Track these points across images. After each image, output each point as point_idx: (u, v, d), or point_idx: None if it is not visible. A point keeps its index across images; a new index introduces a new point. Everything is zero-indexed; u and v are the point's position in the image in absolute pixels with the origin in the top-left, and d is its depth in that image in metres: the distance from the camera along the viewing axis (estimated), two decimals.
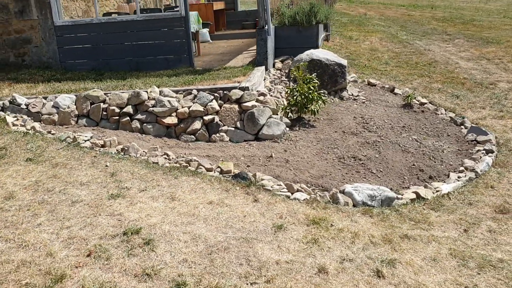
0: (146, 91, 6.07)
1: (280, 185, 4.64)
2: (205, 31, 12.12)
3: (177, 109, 5.85)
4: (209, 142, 5.75)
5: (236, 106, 5.92)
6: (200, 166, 4.77)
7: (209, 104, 5.89)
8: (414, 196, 4.77)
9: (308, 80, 6.51)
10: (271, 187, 4.60)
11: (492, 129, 6.99)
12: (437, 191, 5.00)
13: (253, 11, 14.79)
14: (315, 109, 6.36)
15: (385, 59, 10.63)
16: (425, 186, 5.08)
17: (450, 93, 8.58)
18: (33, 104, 6.10)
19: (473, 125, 6.93)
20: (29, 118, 5.98)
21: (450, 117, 7.34)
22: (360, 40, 12.84)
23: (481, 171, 5.52)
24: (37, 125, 5.70)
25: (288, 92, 6.53)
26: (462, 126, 7.08)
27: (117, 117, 5.92)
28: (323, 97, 6.51)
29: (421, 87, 8.84)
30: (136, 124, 5.86)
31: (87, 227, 3.58)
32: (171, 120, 5.81)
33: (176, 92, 6.13)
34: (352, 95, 7.83)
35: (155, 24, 7.96)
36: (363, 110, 7.20)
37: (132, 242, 3.45)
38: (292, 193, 4.56)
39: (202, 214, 3.93)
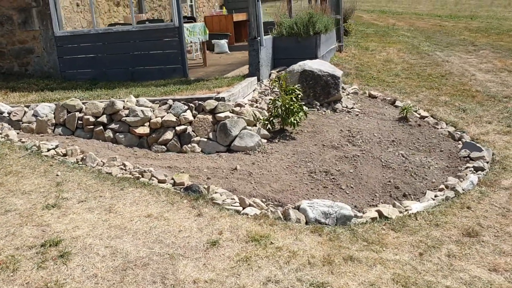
0: (123, 101, 6.03)
1: (233, 199, 4.45)
2: (223, 42, 12.11)
3: (151, 119, 5.78)
4: (180, 153, 5.64)
5: (210, 117, 5.79)
6: (153, 177, 4.65)
7: (182, 114, 5.79)
8: (376, 215, 4.46)
9: (290, 91, 6.30)
10: (223, 201, 4.42)
11: (492, 145, 6.54)
12: (406, 210, 4.67)
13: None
14: (295, 121, 6.13)
15: (396, 71, 10.25)
16: (394, 205, 4.75)
17: (457, 107, 8.13)
18: (15, 113, 6.19)
19: (468, 140, 6.50)
20: (9, 126, 6.05)
21: (449, 131, 6.93)
22: (376, 51, 12.47)
23: (463, 189, 5.14)
24: (13, 133, 5.76)
25: (270, 103, 6.33)
26: (460, 142, 6.67)
27: (91, 126, 5.91)
28: (304, 109, 6.27)
29: (426, 99, 8.43)
30: (109, 133, 5.82)
31: (8, 237, 3.52)
32: (143, 130, 5.74)
33: (153, 102, 6.07)
34: (347, 107, 7.54)
35: (150, 34, 7.97)
36: (353, 123, 6.90)
37: (47, 254, 3.35)
38: (243, 208, 4.36)
39: (134, 228, 3.80)
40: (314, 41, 8.40)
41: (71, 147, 5.20)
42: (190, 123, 5.79)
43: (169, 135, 5.70)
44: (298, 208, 4.43)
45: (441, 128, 7.15)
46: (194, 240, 3.76)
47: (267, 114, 6.45)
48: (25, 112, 6.22)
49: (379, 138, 6.46)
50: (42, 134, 5.97)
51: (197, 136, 5.74)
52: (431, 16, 24.13)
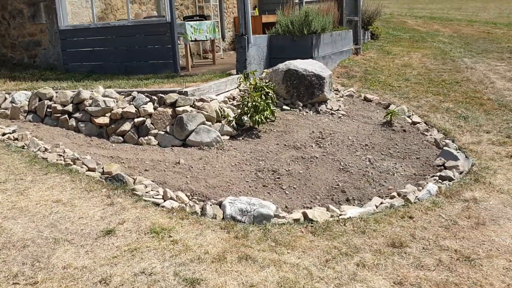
0: (92, 91, 6.12)
1: (158, 191, 4.37)
2: None
3: (112, 110, 5.82)
4: (136, 145, 5.63)
5: (169, 110, 5.75)
6: (83, 165, 4.66)
7: (142, 106, 5.79)
8: (300, 216, 4.23)
9: (259, 88, 6.14)
10: (146, 192, 4.35)
11: (479, 155, 6.07)
12: (339, 215, 4.39)
13: None
14: (259, 119, 5.96)
15: (409, 76, 9.77)
16: (327, 208, 4.48)
17: (458, 114, 7.62)
18: None
19: (449, 149, 6.05)
20: None
21: (435, 139, 6.49)
22: (399, 55, 11.97)
23: (417, 198, 4.78)
24: None
25: (240, 100, 6.20)
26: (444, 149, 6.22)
27: (59, 115, 6.04)
28: (272, 108, 6.08)
29: (427, 105, 7.97)
30: (72, 122, 5.92)
31: None
32: (103, 120, 5.79)
33: (120, 93, 6.11)
34: (332, 109, 7.25)
35: (143, 29, 8.06)
36: (330, 125, 6.62)
37: None
38: (164, 201, 4.27)
39: (35, 211, 3.81)
40: (309, 40, 8.16)
41: (21, 132, 5.32)
42: (150, 115, 5.77)
43: (127, 126, 5.71)
44: (220, 204, 4.27)
45: (430, 135, 6.71)
46: (90, 228, 3.71)
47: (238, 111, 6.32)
48: (5, 99, 6.46)
49: (352, 141, 6.15)
50: (14, 120, 6.16)
51: (155, 129, 5.71)
52: (485, 23, 22.88)
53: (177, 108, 5.72)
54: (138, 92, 6.02)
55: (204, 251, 3.60)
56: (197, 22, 9.50)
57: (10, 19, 9.12)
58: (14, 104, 6.22)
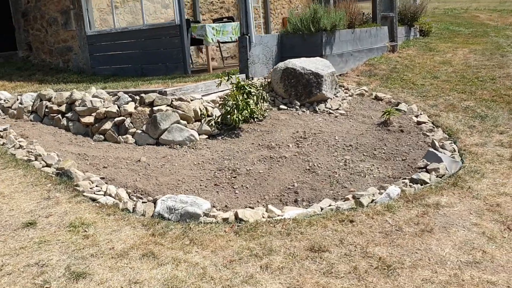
0: (86, 92, 6.44)
1: (100, 188, 4.50)
2: None
3: (97, 110, 6.07)
4: (115, 143, 5.82)
5: (147, 110, 5.88)
6: (42, 161, 4.91)
7: (123, 106, 5.98)
8: (230, 216, 4.14)
9: (242, 87, 6.09)
10: (90, 188, 4.50)
11: (477, 157, 5.58)
12: (278, 216, 4.24)
13: None
14: (236, 118, 5.91)
15: (441, 73, 9.14)
16: (267, 209, 4.34)
17: (477, 113, 7.02)
18: (7, 100, 7.00)
19: (431, 149, 5.59)
20: (0, 111, 6.86)
21: (433, 139, 6.02)
22: (442, 52, 11.22)
23: (374, 201, 4.49)
24: None
25: (223, 100, 6.19)
26: (438, 151, 5.76)
27: (54, 114, 6.41)
28: (252, 107, 5.99)
29: (445, 104, 7.42)
30: (64, 121, 6.26)
31: None
32: (88, 119, 6.05)
33: (109, 93, 6.36)
34: (331, 108, 6.99)
35: (157, 32, 8.32)
36: (320, 125, 6.38)
37: None
38: (104, 196, 4.39)
39: None
40: (319, 38, 7.92)
41: (4, 130, 5.72)
42: (130, 115, 5.94)
43: (108, 125, 5.92)
44: (154, 201, 4.31)
45: (432, 135, 6.24)
46: (14, 220, 3.92)
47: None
48: (15, 100, 6.98)
49: (337, 141, 5.89)
50: (19, 119, 6.64)
51: (134, 128, 5.87)
52: None
53: (154, 108, 5.83)
54: (124, 92, 6.23)
55: (110, 247, 3.65)
56: (221, 24, 9.60)
57: (48, 27, 9.84)
58: (20, 105, 6.70)
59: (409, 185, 4.80)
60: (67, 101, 6.36)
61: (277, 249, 3.70)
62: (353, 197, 4.55)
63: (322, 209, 4.35)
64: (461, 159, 5.59)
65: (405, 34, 12.01)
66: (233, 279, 3.30)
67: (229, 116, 5.98)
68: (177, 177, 4.89)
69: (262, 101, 6.72)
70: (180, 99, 5.92)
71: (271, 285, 3.25)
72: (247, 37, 7.38)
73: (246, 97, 6.04)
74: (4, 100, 6.99)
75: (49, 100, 6.54)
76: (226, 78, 6.08)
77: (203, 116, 6.01)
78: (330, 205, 4.41)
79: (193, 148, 5.63)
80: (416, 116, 6.84)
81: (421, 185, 4.84)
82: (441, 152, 5.65)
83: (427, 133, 6.29)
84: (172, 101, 5.91)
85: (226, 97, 6.04)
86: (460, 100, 7.59)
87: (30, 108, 6.69)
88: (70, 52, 9.66)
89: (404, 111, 7.02)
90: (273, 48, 8.07)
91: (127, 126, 5.86)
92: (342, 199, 4.61)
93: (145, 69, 8.50)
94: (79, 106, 6.15)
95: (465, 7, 25.99)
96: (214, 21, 10.99)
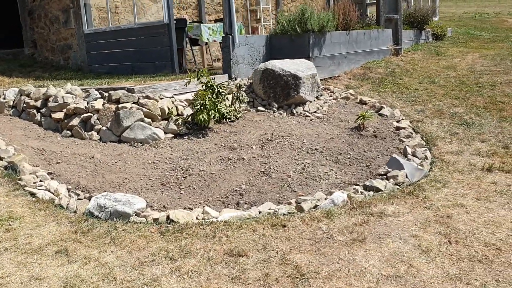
0: (61, 88, 6.50)
1: (42, 183, 4.52)
2: None
3: (68, 106, 6.12)
4: (81, 139, 5.84)
5: (113, 107, 5.88)
6: None
7: (91, 102, 6.00)
8: (160, 216, 4.06)
9: (211, 86, 6.01)
10: (34, 182, 4.52)
11: (447, 165, 5.33)
12: (213, 218, 4.14)
13: None
14: (202, 118, 5.83)
15: (441, 78, 8.81)
16: (203, 211, 4.24)
17: (463, 120, 6.72)
18: None
19: (395, 156, 5.36)
20: None
21: (406, 146, 5.78)
22: (450, 56, 10.82)
23: (317, 207, 4.32)
24: None
25: (193, 99, 6.13)
26: (407, 158, 5.54)
27: (31, 110, 6.51)
28: (218, 107, 5.90)
29: (432, 109, 7.13)
30: (38, 117, 6.34)
31: None
32: (58, 115, 6.11)
33: (83, 90, 6.40)
34: (308, 111, 6.81)
35: (147, 31, 8.34)
36: (292, 127, 6.23)
37: None
38: (44, 191, 4.40)
39: None
40: (306, 40, 7.75)
41: None
42: (98, 111, 5.95)
43: (75, 121, 5.96)
44: (90, 199, 4.28)
45: (408, 142, 5.99)
46: None
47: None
48: (1, 95, 7.13)
49: (303, 145, 5.73)
50: (0, 114, 6.76)
51: (100, 124, 5.88)
52: None
53: (119, 105, 5.83)
54: (96, 89, 6.25)
55: (27, 242, 3.63)
56: (218, 24, 9.55)
57: (50, 25, 10.04)
58: (2, 100, 6.84)
59: (361, 192, 4.60)
60: (43, 97, 6.44)
61: (195, 252, 3.60)
62: (296, 201, 4.39)
63: (260, 212, 4.21)
64: (430, 167, 5.33)
65: (414, 37, 11.64)
66: (136, 281, 3.22)
67: (196, 116, 5.91)
68: (125, 175, 4.85)
69: (237, 102, 6.61)
70: (147, 97, 5.89)
71: (165, 284, 3.14)
72: (230, 37, 7.30)
73: (215, 97, 5.95)
74: None
75: (28, 95, 6.63)
76: (196, 77, 6.00)
77: (171, 115, 5.95)
78: (269, 209, 4.26)
79: (154, 147, 5.59)
80: (398, 122, 6.59)
81: (375, 192, 4.63)
82: (409, 159, 5.41)
83: (404, 139, 6.04)
84: (138, 99, 5.88)
85: (195, 96, 5.97)
86: (450, 106, 7.27)
87: (11, 103, 6.81)
88: (69, 50, 9.82)
89: (386, 115, 6.78)
90: (260, 49, 7.95)
91: (93, 122, 5.87)
92: (286, 203, 4.45)
93: (136, 67, 8.54)
94: (51, 102, 6.21)
95: (498, 11, 25.08)
96: (216, 21, 10.95)
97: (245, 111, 6.77)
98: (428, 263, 3.43)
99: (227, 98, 6.62)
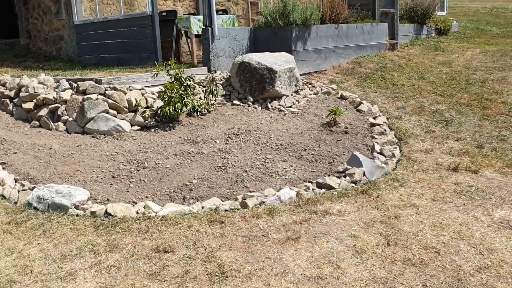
0: (34, 78, 6.52)
1: None
2: None
3: (38, 96, 6.12)
4: (48, 130, 5.84)
5: (80, 98, 5.86)
6: None
7: (60, 93, 5.99)
8: (98, 210, 4.01)
9: (178, 78, 5.94)
10: None
11: (412, 164, 5.18)
12: (154, 212, 4.08)
13: None
14: (168, 111, 5.77)
15: (431, 74, 8.58)
16: (145, 206, 4.18)
17: (443, 118, 6.52)
18: None
19: (356, 153, 5.21)
20: None
21: (376, 142, 5.62)
22: (449, 52, 10.53)
23: (263, 204, 4.22)
24: None
25: (162, 92, 6.07)
26: (373, 155, 5.39)
27: (5, 99, 6.54)
28: (185, 100, 5.83)
29: (413, 106, 6.94)
30: (11, 107, 6.37)
31: None
32: (28, 105, 6.11)
33: (55, 81, 6.40)
34: (283, 105, 6.69)
35: (132, 23, 8.30)
36: (262, 122, 6.12)
37: None
38: None
39: None
40: (289, 33, 7.60)
41: None
42: (65, 102, 5.94)
43: (43, 112, 5.96)
44: (33, 189, 4.26)
45: (380, 139, 5.82)
46: None
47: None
48: None
49: (269, 140, 5.62)
50: None
51: (67, 115, 5.87)
52: None
53: (85, 96, 5.80)
54: (67, 80, 6.24)
55: None
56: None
57: (43, 15, 10.10)
58: None
59: (312, 189, 4.48)
60: (17, 87, 6.46)
61: (122, 246, 3.54)
62: (242, 198, 4.30)
63: (203, 208, 4.13)
64: (395, 166, 5.17)
65: (413, 32, 11.35)
66: (52, 274, 3.18)
67: (163, 108, 5.85)
68: (77, 167, 4.82)
69: (211, 95, 6.53)
70: (114, 89, 5.85)
71: (86, 283, 3.10)
72: (210, 29, 7.21)
73: (184, 90, 5.87)
74: None
75: (4, 85, 6.67)
76: (164, 69, 5.93)
77: (138, 107, 5.90)
78: (213, 205, 4.18)
79: (117, 139, 5.55)
80: (374, 118, 6.42)
81: (327, 190, 4.50)
82: (374, 157, 5.26)
83: (376, 136, 5.88)
84: (105, 90, 5.84)
85: (163, 89, 5.90)
86: (433, 103, 7.05)
87: None
88: (61, 41, 9.87)
89: (363, 111, 6.61)
90: (243, 41, 7.83)
91: (60, 113, 5.86)
92: (233, 199, 4.36)
93: (122, 59, 8.51)
94: (23, 92, 6.22)
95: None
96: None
97: (220, 105, 6.68)
98: (357, 265, 3.30)
99: (203, 91, 6.54)
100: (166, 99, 5.84)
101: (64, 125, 5.80)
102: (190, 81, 5.93)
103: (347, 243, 3.59)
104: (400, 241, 3.62)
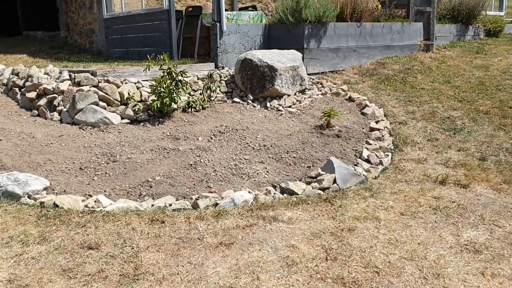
0: (42, 69, 6.73)
1: None
2: None
3: (40, 86, 6.31)
4: (44, 119, 6.00)
5: (75, 89, 5.97)
6: None
7: (58, 84, 6.13)
8: (47, 200, 4.04)
9: (170, 73, 5.90)
10: None
11: (396, 174, 4.82)
12: (103, 207, 4.05)
13: None
14: (155, 105, 5.74)
15: (460, 78, 7.98)
16: (96, 200, 4.15)
17: (454, 125, 6.04)
18: None
19: (332, 159, 4.90)
20: None
21: (366, 148, 5.30)
22: (491, 55, 9.77)
23: (217, 206, 4.08)
24: None
25: (154, 86, 6.05)
26: (357, 162, 5.08)
27: (15, 88, 6.80)
28: (173, 95, 5.77)
29: (425, 111, 6.48)
30: (18, 95, 6.62)
31: None
32: (31, 95, 6.31)
33: (59, 72, 6.57)
34: (283, 105, 6.45)
35: (152, 17, 8.37)
36: (252, 121, 5.93)
37: None
38: None
39: None
40: (301, 30, 7.33)
41: None
42: (63, 92, 6.07)
43: (42, 101, 6.12)
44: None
45: (376, 144, 5.47)
46: None
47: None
48: (1, 74, 7.53)
49: (254, 140, 5.44)
50: None
51: (63, 106, 6.00)
52: None
53: (79, 87, 5.89)
54: (68, 71, 6.37)
55: None
56: (234, 12, 9.37)
57: (79, 9, 10.45)
58: None
59: (274, 194, 4.25)
60: (26, 77, 6.69)
61: (52, 239, 3.53)
62: (196, 198, 4.15)
63: (152, 206, 4.04)
64: (378, 175, 4.81)
65: (456, 33, 10.62)
66: None
67: (152, 103, 5.82)
68: (51, 156, 4.88)
69: (208, 91, 6.43)
70: (107, 81, 5.89)
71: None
72: (218, 24, 7.10)
73: (175, 85, 5.81)
74: None
75: (17, 74, 6.93)
76: (156, 63, 5.89)
77: (129, 101, 5.91)
78: (164, 203, 4.07)
79: (102, 131, 5.59)
80: (377, 122, 6.03)
81: (289, 195, 4.26)
82: (356, 163, 4.93)
83: (371, 142, 5.52)
84: (99, 82, 5.90)
85: (155, 83, 5.87)
86: (448, 108, 6.53)
87: (5, 81, 7.16)
88: (93, 34, 10.16)
89: (367, 114, 6.23)
90: (256, 38, 7.66)
91: (56, 103, 6.00)
92: (189, 198, 4.23)
93: (142, 53, 8.60)
94: (28, 81, 6.43)
95: None
96: (240, 9, 10.76)
97: (221, 102, 6.56)
98: (279, 279, 3.07)
99: (209, 86, 6.43)
100: (157, 93, 5.80)
101: (59, 115, 5.93)
102: (181, 76, 5.85)
103: (280, 254, 3.35)
104: (341, 257, 3.33)
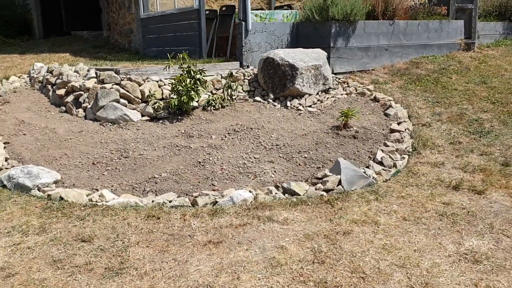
0: (73, 67, 7.01)
1: None
2: None
3: (69, 83, 6.57)
4: (70, 115, 6.24)
5: (99, 86, 6.17)
6: None
7: (85, 81, 6.36)
8: (54, 193, 4.19)
9: (191, 73, 5.98)
10: None
11: (408, 179, 4.69)
12: (106, 201, 4.17)
13: None
14: (173, 103, 5.83)
15: (498, 79, 7.60)
16: (100, 195, 4.27)
17: (481, 128, 5.79)
18: (35, 70, 7.96)
19: (340, 160, 4.79)
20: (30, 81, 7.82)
21: (381, 149, 5.17)
22: None
23: (216, 204, 4.12)
24: (17, 84, 7.51)
25: (173, 84, 6.14)
26: (369, 164, 4.96)
27: (48, 85, 7.12)
28: (191, 94, 5.84)
29: (452, 113, 6.24)
30: (50, 91, 6.92)
31: None
32: (61, 92, 6.57)
33: (88, 70, 6.81)
34: (303, 104, 6.38)
35: (183, 16, 8.51)
36: (270, 121, 5.90)
37: None
38: None
39: None
40: (328, 28, 7.21)
41: None
42: (88, 90, 6.29)
43: (70, 98, 6.37)
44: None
45: (393, 147, 5.31)
46: None
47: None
48: (38, 72, 7.90)
49: (268, 139, 5.42)
50: (32, 88, 7.49)
51: (87, 102, 6.22)
52: None
53: (103, 85, 6.08)
54: (96, 69, 6.59)
55: None
56: (267, 11, 9.38)
57: (119, 10, 10.78)
58: (35, 75, 7.58)
59: (275, 193, 4.22)
60: (59, 74, 6.97)
61: (51, 230, 3.66)
62: (196, 196, 4.19)
63: (153, 201, 4.11)
64: (390, 177, 4.67)
65: (502, 31, 10.10)
66: None
67: (170, 101, 5.92)
68: (67, 151, 5.07)
69: (229, 90, 6.46)
70: (129, 79, 6.04)
71: None
72: (243, 23, 7.11)
73: (194, 83, 5.88)
74: (34, 71, 7.93)
75: (51, 72, 7.24)
76: (177, 63, 5.98)
77: (150, 98, 6.04)
78: (165, 200, 4.13)
79: (121, 128, 5.73)
80: (398, 124, 5.84)
81: (291, 195, 4.21)
82: (369, 165, 4.80)
83: (389, 144, 5.36)
84: (121, 80, 6.06)
85: (174, 82, 5.97)
86: (478, 110, 6.22)
87: (40, 79, 7.50)
88: (131, 34, 10.44)
89: (389, 115, 6.05)
90: (283, 36, 7.61)
91: (82, 100, 6.22)
92: (190, 196, 4.27)
93: (174, 52, 8.73)
94: (59, 79, 6.70)
95: None
96: (276, 8, 10.73)
97: (242, 100, 6.57)
98: (260, 279, 3.04)
99: (230, 85, 6.46)
100: (175, 91, 5.89)
101: (83, 111, 6.14)
102: (199, 75, 5.90)
103: (267, 254, 3.31)
104: (329, 260, 3.26)
